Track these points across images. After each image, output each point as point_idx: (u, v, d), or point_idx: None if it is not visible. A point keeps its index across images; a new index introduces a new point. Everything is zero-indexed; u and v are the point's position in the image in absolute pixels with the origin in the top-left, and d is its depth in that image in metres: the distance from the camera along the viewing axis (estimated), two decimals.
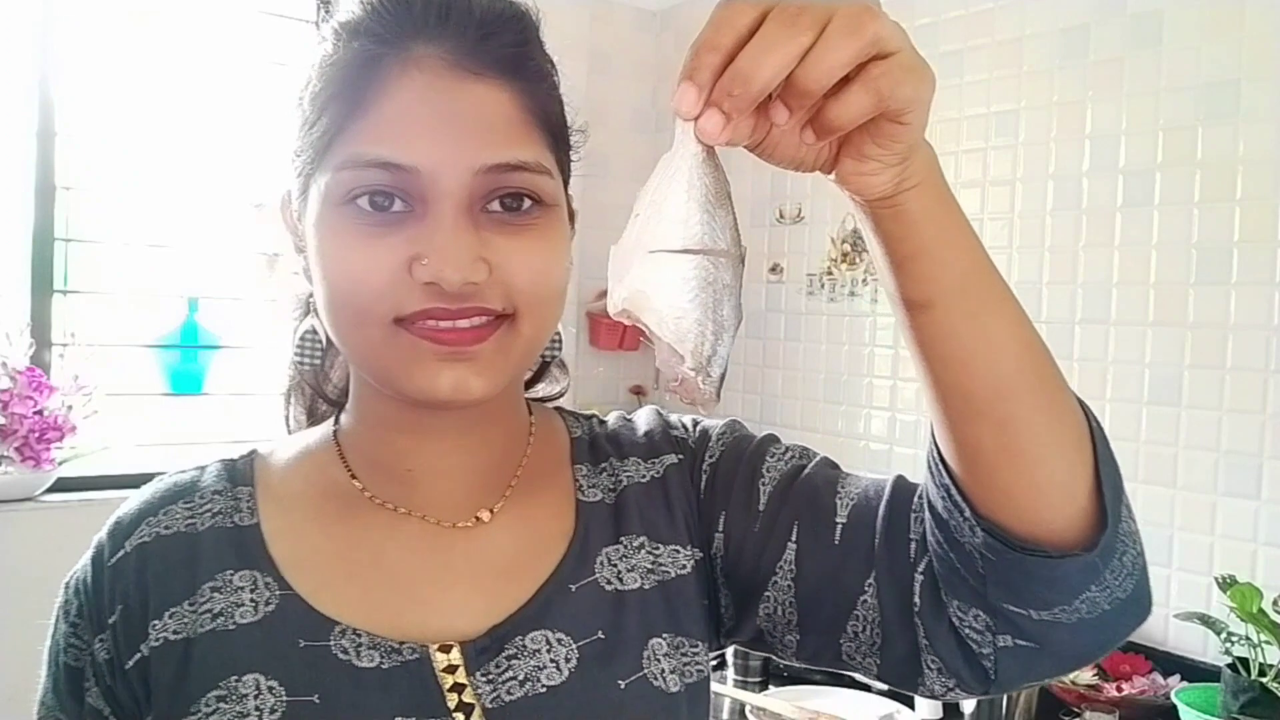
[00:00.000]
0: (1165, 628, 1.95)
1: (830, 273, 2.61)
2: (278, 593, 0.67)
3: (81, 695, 0.71)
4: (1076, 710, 1.77)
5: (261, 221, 0.65)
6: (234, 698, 0.63)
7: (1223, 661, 1.68)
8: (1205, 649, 1.87)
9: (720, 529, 0.72)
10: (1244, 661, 1.65)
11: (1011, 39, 2.22)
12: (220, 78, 2.63)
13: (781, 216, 2.74)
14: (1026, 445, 0.59)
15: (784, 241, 2.74)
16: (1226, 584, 1.66)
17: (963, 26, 2.31)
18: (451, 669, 0.64)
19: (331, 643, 0.65)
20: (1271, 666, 1.62)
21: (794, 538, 0.69)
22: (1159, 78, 1.98)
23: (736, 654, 1.95)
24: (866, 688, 1.86)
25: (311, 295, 0.71)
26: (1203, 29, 1.92)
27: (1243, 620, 1.63)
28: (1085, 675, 1.85)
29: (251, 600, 0.66)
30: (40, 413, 2.28)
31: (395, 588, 0.68)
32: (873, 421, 2.51)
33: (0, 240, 2.39)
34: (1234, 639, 1.66)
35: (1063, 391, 0.61)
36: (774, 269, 2.75)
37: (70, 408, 2.34)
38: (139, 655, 0.66)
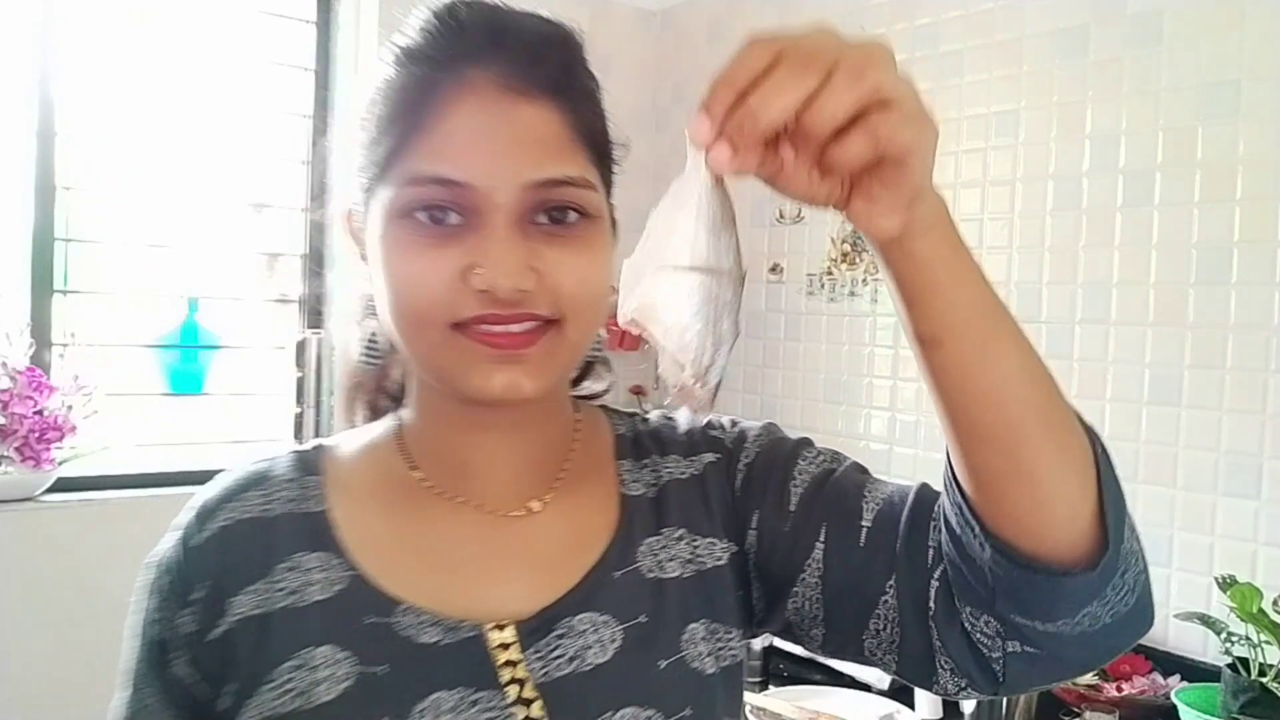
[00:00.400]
0: (1165, 628, 1.95)
1: (830, 273, 2.61)
2: (346, 573, 0.72)
3: (165, 665, 0.74)
4: (1076, 710, 1.77)
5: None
6: (308, 667, 0.69)
7: (1223, 661, 1.68)
8: (1205, 649, 1.87)
9: (754, 526, 0.77)
10: (1244, 661, 1.65)
11: (1011, 39, 2.22)
12: (220, 78, 2.63)
13: (781, 216, 2.74)
14: (1033, 470, 0.63)
15: (784, 241, 2.74)
16: (1226, 584, 1.66)
17: (963, 26, 2.31)
18: (505, 646, 0.70)
19: (395, 619, 0.70)
20: (1271, 666, 1.62)
21: (822, 538, 0.74)
22: (1159, 78, 1.98)
23: None
24: (866, 687, 1.86)
25: (373, 300, 0.76)
26: (1203, 29, 1.92)
27: (1243, 620, 1.63)
28: (1085, 675, 1.85)
29: (322, 579, 0.72)
30: (40, 413, 2.28)
31: (453, 571, 0.73)
32: (873, 421, 2.51)
33: (0, 240, 2.39)
34: (1234, 639, 1.66)
35: (1068, 419, 0.67)
36: (774, 269, 2.75)
37: (70, 408, 2.34)
38: (220, 628, 0.71)
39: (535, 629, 0.71)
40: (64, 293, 2.45)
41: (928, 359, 0.66)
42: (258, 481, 0.79)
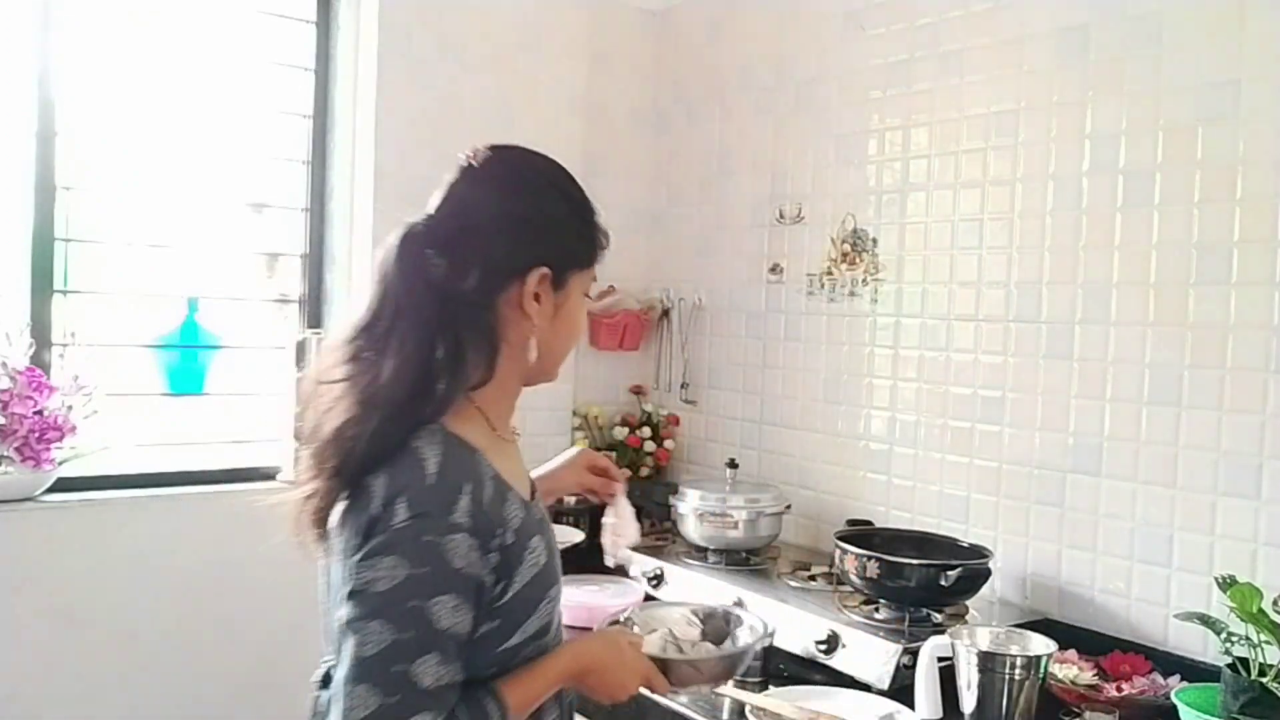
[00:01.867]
0: (1165, 628, 1.95)
1: (830, 273, 2.61)
2: (518, 500, 1.18)
3: (477, 583, 1.10)
4: (1076, 710, 1.77)
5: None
6: (533, 551, 1.17)
7: (1223, 661, 1.68)
8: (1205, 649, 1.87)
9: None
10: (1244, 661, 1.65)
11: (1011, 39, 2.22)
12: (220, 78, 2.63)
13: (781, 216, 2.74)
14: None
15: (784, 241, 2.74)
16: (1226, 584, 1.66)
17: (963, 26, 2.31)
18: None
19: (540, 515, 1.25)
20: (1271, 666, 1.62)
21: None
22: (1159, 78, 1.98)
23: None
24: (866, 688, 1.86)
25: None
26: (1203, 29, 1.92)
27: (1243, 620, 1.63)
28: (1085, 675, 1.85)
29: (517, 507, 1.17)
30: (40, 413, 2.28)
31: (523, 480, 1.28)
32: (873, 421, 2.51)
33: (0, 240, 2.39)
34: (1234, 639, 1.66)
35: None
36: (774, 269, 2.75)
37: (70, 408, 2.34)
38: (503, 544, 1.13)
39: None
40: (64, 293, 2.45)
41: None
42: (472, 457, 1.15)
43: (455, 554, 1.07)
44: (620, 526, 1.55)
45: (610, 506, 1.58)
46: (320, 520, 1.20)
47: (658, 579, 2.37)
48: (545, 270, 1.18)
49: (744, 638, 1.49)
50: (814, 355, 2.66)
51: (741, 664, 1.44)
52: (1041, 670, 1.72)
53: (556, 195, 1.22)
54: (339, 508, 1.16)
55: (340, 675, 1.04)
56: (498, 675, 1.14)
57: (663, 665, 1.33)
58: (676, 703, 1.82)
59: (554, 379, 1.29)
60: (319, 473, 1.17)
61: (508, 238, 1.17)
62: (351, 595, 1.06)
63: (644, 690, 1.32)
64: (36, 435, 2.26)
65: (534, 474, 1.40)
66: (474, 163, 1.23)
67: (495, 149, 1.24)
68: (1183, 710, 1.66)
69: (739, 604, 2.01)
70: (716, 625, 1.52)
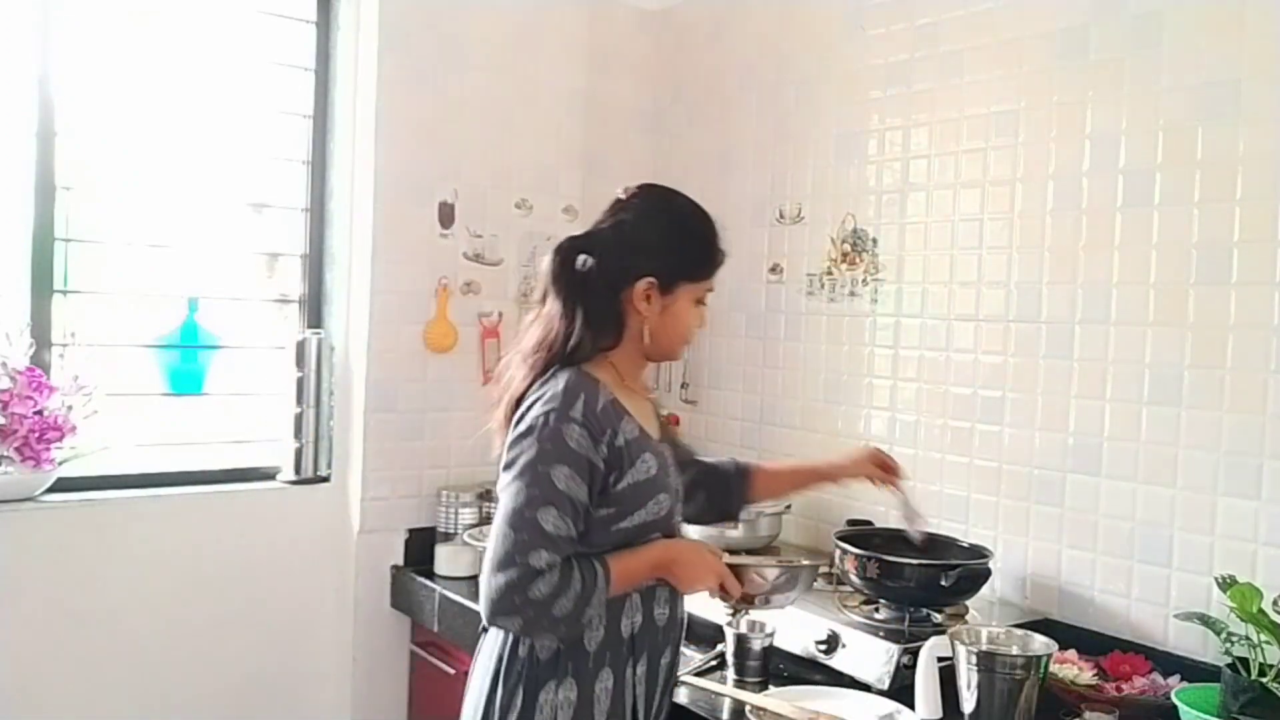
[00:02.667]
0: (1165, 628, 1.95)
1: (830, 273, 2.61)
2: (634, 424, 1.54)
3: (589, 463, 1.46)
4: (1076, 710, 1.77)
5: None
6: (645, 462, 1.53)
7: (1223, 661, 1.68)
8: (1205, 649, 1.87)
9: None
10: (1244, 661, 1.65)
11: (1011, 39, 2.22)
12: (220, 78, 2.64)
13: (781, 216, 2.74)
14: None
15: (784, 241, 2.74)
16: (1226, 584, 1.66)
17: (963, 26, 2.31)
18: None
19: (653, 441, 1.59)
20: (1271, 666, 1.62)
21: None
22: (1159, 78, 1.98)
23: (736, 654, 1.95)
24: (866, 688, 1.86)
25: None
26: (1203, 29, 1.92)
27: (1243, 620, 1.63)
28: (1085, 675, 1.85)
29: (633, 426, 1.53)
30: (40, 413, 2.28)
31: (649, 419, 1.63)
32: (873, 421, 2.51)
33: (0, 240, 2.39)
34: (1234, 639, 1.66)
35: None
36: (774, 269, 2.75)
37: (70, 408, 2.34)
38: (611, 443, 1.49)
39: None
40: (64, 293, 2.45)
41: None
42: (589, 388, 1.50)
43: (570, 438, 1.45)
44: (910, 514, 1.93)
45: (896, 497, 1.92)
46: (501, 434, 1.57)
47: None
48: (652, 280, 1.55)
49: (803, 560, 1.86)
50: (814, 355, 2.66)
51: (800, 581, 1.70)
52: (1041, 670, 1.72)
53: (674, 226, 1.59)
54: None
55: (493, 525, 1.47)
56: (611, 552, 1.50)
57: (736, 571, 1.61)
58: (690, 685, 1.82)
59: (675, 359, 1.70)
60: (495, 405, 1.60)
61: (629, 252, 1.55)
62: (504, 468, 1.48)
63: (720, 590, 1.61)
64: (36, 435, 2.26)
65: (829, 459, 1.95)
66: (623, 196, 1.60)
67: (643, 187, 1.62)
68: (1183, 710, 1.66)
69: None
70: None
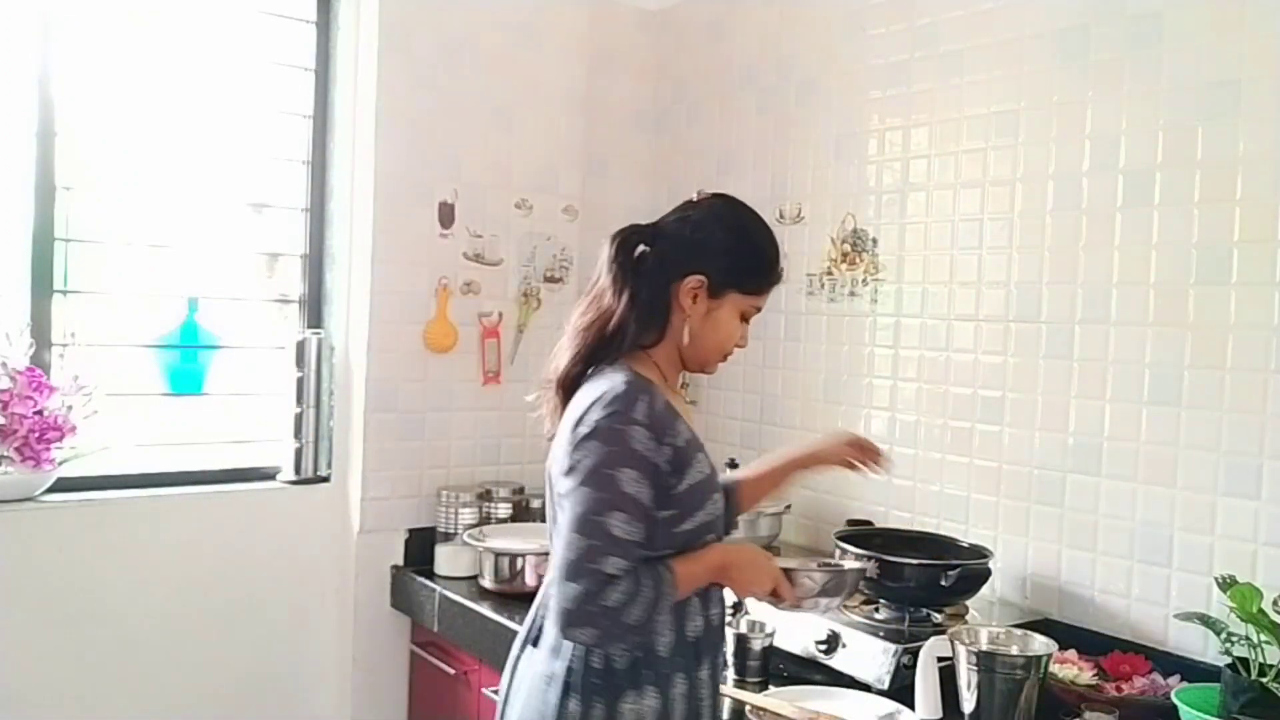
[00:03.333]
0: (1165, 628, 1.95)
1: (830, 273, 2.61)
2: (688, 426, 1.53)
3: (653, 465, 1.44)
4: (1076, 710, 1.77)
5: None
6: (699, 463, 1.51)
7: (1223, 661, 1.68)
8: (1205, 649, 1.87)
9: None
10: (1244, 661, 1.65)
11: (1011, 39, 2.22)
12: (220, 78, 2.64)
13: (781, 216, 2.74)
14: None
15: (784, 241, 2.69)
16: (1226, 584, 1.66)
17: (963, 26, 2.31)
18: None
19: (703, 444, 1.57)
20: (1271, 666, 1.62)
21: None
22: (1159, 78, 1.98)
23: (736, 654, 1.95)
24: (866, 688, 1.86)
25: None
26: (1203, 29, 1.92)
27: (1243, 620, 1.63)
28: (1085, 675, 1.85)
29: (685, 428, 1.51)
30: (40, 413, 2.28)
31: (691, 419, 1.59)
32: (873, 421, 2.51)
33: (0, 240, 2.39)
34: (1234, 639, 1.66)
35: None
36: None
37: (70, 408, 2.34)
38: (674, 445, 1.47)
39: None
40: (64, 293, 2.45)
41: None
42: (647, 388, 1.48)
43: (634, 439, 1.42)
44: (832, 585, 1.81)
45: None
46: (551, 418, 1.58)
47: None
48: (702, 278, 1.54)
49: (849, 564, 1.91)
50: (814, 355, 2.66)
51: (847, 584, 1.70)
52: (1041, 670, 1.72)
53: (736, 232, 1.59)
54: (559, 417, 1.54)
55: (560, 534, 1.44)
56: (672, 556, 1.49)
57: (789, 576, 1.61)
58: None
59: (708, 372, 1.64)
60: (546, 387, 1.58)
61: (686, 247, 1.55)
62: (567, 473, 1.44)
63: (773, 596, 1.59)
64: (36, 435, 2.26)
65: (803, 446, 1.87)
66: (695, 198, 1.62)
67: (716, 194, 1.64)
68: (1183, 710, 1.66)
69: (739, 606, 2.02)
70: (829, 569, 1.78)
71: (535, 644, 1.54)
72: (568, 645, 1.46)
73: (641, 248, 1.55)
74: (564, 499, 1.44)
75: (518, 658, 1.59)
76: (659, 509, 1.46)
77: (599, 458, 1.41)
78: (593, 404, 1.45)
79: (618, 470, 1.41)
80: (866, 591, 2.06)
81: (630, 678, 1.46)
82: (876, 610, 2.04)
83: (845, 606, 2.06)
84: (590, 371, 1.54)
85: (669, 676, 1.48)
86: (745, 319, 1.61)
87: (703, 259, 1.54)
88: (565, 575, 1.38)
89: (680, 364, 1.61)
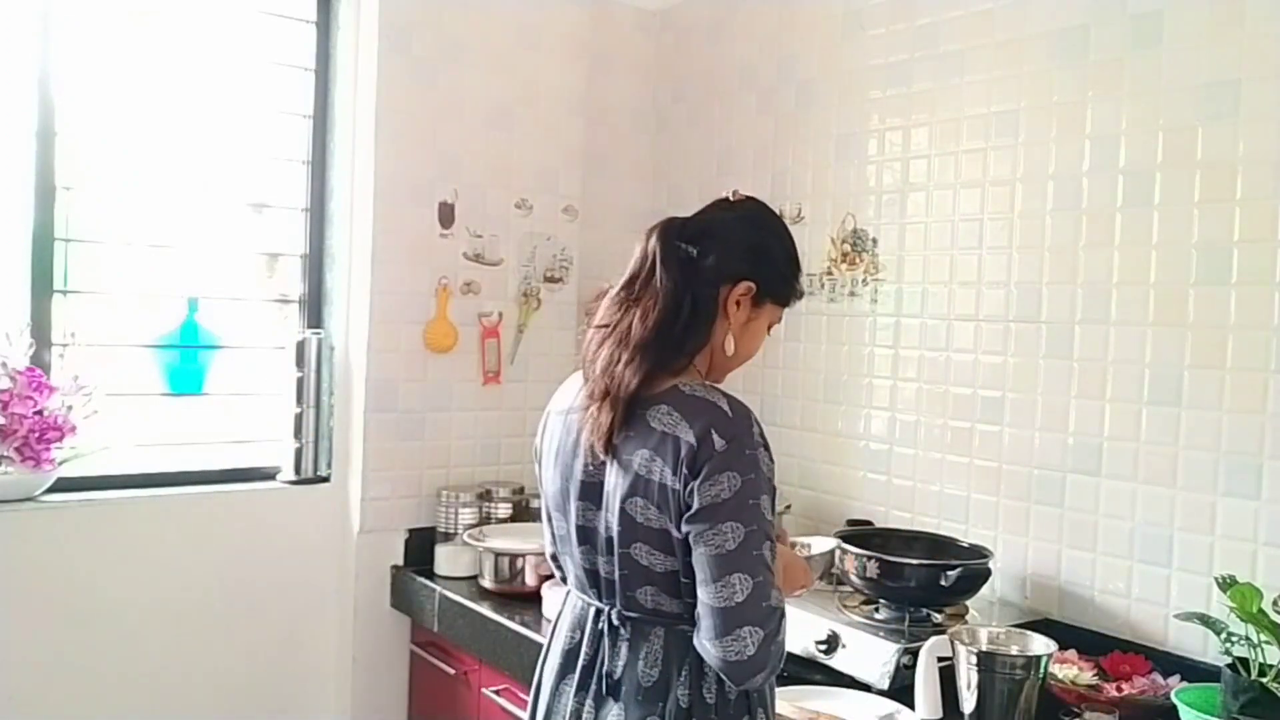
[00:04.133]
0: (1165, 628, 1.95)
1: (830, 273, 2.61)
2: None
3: (774, 486, 1.38)
4: (1076, 710, 1.77)
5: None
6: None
7: (1223, 661, 1.68)
8: (1205, 649, 1.87)
9: None
10: (1244, 661, 1.65)
11: (1011, 39, 2.22)
12: (220, 78, 2.63)
13: (781, 217, 2.73)
14: None
15: None
16: (1226, 584, 1.66)
17: (963, 26, 2.31)
18: None
19: None
20: (1271, 666, 1.62)
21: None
22: (1159, 78, 1.98)
23: None
24: (867, 688, 1.86)
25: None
26: (1203, 29, 1.92)
27: (1243, 620, 1.63)
28: (1085, 675, 1.85)
29: None
30: (40, 413, 2.28)
31: None
32: (873, 421, 2.51)
33: (0, 240, 2.39)
34: (1234, 639, 1.66)
35: None
36: None
37: (70, 408, 2.34)
38: (775, 466, 1.40)
39: None
40: (64, 293, 2.45)
41: None
42: (746, 407, 1.40)
43: (763, 463, 1.35)
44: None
45: None
46: (607, 437, 1.40)
47: None
48: (751, 285, 1.47)
49: (825, 546, 1.89)
50: (814, 355, 2.66)
51: (826, 565, 1.79)
52: (1041, 670, 1.72)
53: (780, 243, 1.54)
54: (622, 435, 1.40)
55: (703, 575, 1.32)
56: None
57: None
58: None
59: (720, 380, 1.53)
60: (596, 399, 1.42)
61: (739, 250, 1.48)
62: (700, 511, 1.32)
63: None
64: (36, 435, 2.26)
65: None
66: (730, 198, 1.54)
67: (750, 197, 1.57)
68: (1183, 710, 1.66)
69: None
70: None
71: (615, 695, 1.42)
72: (670, 684, 1.38)
73: (686, 246, 1.45)
74: (700, 537, 1.32)
75: (594, 716, 1.44)
76: None
77: (739, 488, 1.31)
78: (707, 429, 1.34)
79: (760, 499, 1.33)
80: (867, 591, 2.06)
81: (743, 705, 1.41)
82: (876, 610, 2.04)
83: (845, 606, 2.07)
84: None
85: (763, 693, 1.45)
86: (769, 330, 1.56)
87: (754, 265, 1.48)
88: (739, 620, 1.28)
89: (705, 371, 1.51)
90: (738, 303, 1.47)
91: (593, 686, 1.44)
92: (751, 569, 1.30)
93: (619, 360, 1.41)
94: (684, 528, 1.34)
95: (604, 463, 1.42)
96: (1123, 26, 2.03)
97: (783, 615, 1.33)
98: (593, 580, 1.47)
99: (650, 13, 3.13)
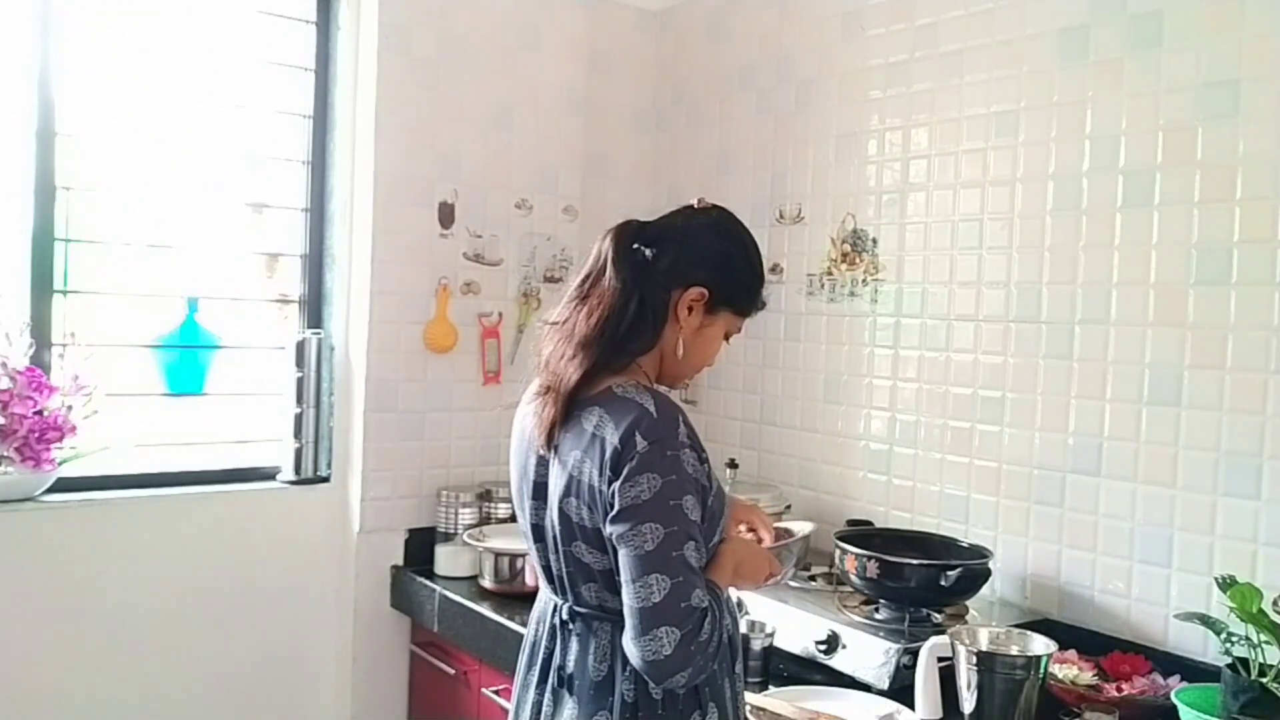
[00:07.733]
0: (1165, 628, 1.95)
1: (830, 273, 2.61)
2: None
3: (701, 486, 1.38)
4: (1076, 710, 1.77)
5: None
6: (715, 477, 1.45)
7: (1223, 661, 1.68)
8: (1205, 649, 1.87)
9: None
10: (1244, 661, 1.65)
11: (1011, 39, 2.22)
12: (220, 78, 2.63)
13: (781, 216, 2.74)
14: None
15: (784, 241, 2.74)
16: (1226, 584, 1.66)
17: (963, 26, 2.31)
18: None
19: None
20: (1271, 666, 1.62)
21: None
22: (1159, 78, 1.98)
23: None
24: (866, 688, 1.86)
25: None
26: (1203, 29, 1.92)
27: (1243, 620, 1.63)
28: (1085, 675, 1.85)
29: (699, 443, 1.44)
30: (40, 413, 2.28)
31: None
32: (873, 421, 2.51)
33: (0, 240, 2.39)
34: (1234, 639, 1.66)
35: None
36: (774, 269, 2.75)
37: (70, 408, 2.34)
38: (706, 461, 1.41)
39: None
40: (64, 293, 2.45)
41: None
42: (675, 406, 1.41)
43: (686, 464, 1.35)
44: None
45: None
46: (549, 431, 1.44)
47: None
48: (704, 290, 1.48)
49: (802, 530, 1.81)
50: (814, 355, 2.66)
51: (807, 549, 1.75)
52: (1041, 670, 1.72)
53: (742, 252, 1.54)
54: (562, 434, 1.43)
55: (625, 576, 1.33)
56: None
57: (775, 552, 1.62)
58: None
59: (677, 386, 1.59)
60: (541, 393, 1.47)
61: (696, 256, 1.49)
62: (621, 512, 1.33)
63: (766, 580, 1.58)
64: (36, 435, 2.26)
65: None
66: (695, 205, 1.56)
67: (716, 205, 1.57)
68: (1183, 710, 1.66)
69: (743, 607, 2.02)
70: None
71: (569, 689, 1.45)
72: (615, 680, 1.40)
73: (643, 248, 1.47)
74: (622, 538, 1.34)
75: (552, 710, 1.47)
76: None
77: (659, 489, 1.32)
78: (630, 431, 1.35)
79: (681, 498, 1.33)
80: (867, 592, 2.06)
81: (692, 699, 1.41)
82: (876, 610, 2.04)
83: (845, 606, 2.07)
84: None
85: (720, 687, 1.45)
86: (727, 338, 1.57)
87: (708, 271, 1.48)
88: (655, 620, 1.29)
89: (655, 375, 1.52)
90: (689, 307, 1.48)
91: (551, 680, 1.47)
92: (670, 570, 1.30)
93: (562, 356, 1.44)
94: (607, 528, 1.35)
95: (548, 460, 1.45)
96: (1123, 26, 2.03)
97: (706, 615, 1.32)
98: (548, 576, 1.51)
99: (650, 13, 3.13)
